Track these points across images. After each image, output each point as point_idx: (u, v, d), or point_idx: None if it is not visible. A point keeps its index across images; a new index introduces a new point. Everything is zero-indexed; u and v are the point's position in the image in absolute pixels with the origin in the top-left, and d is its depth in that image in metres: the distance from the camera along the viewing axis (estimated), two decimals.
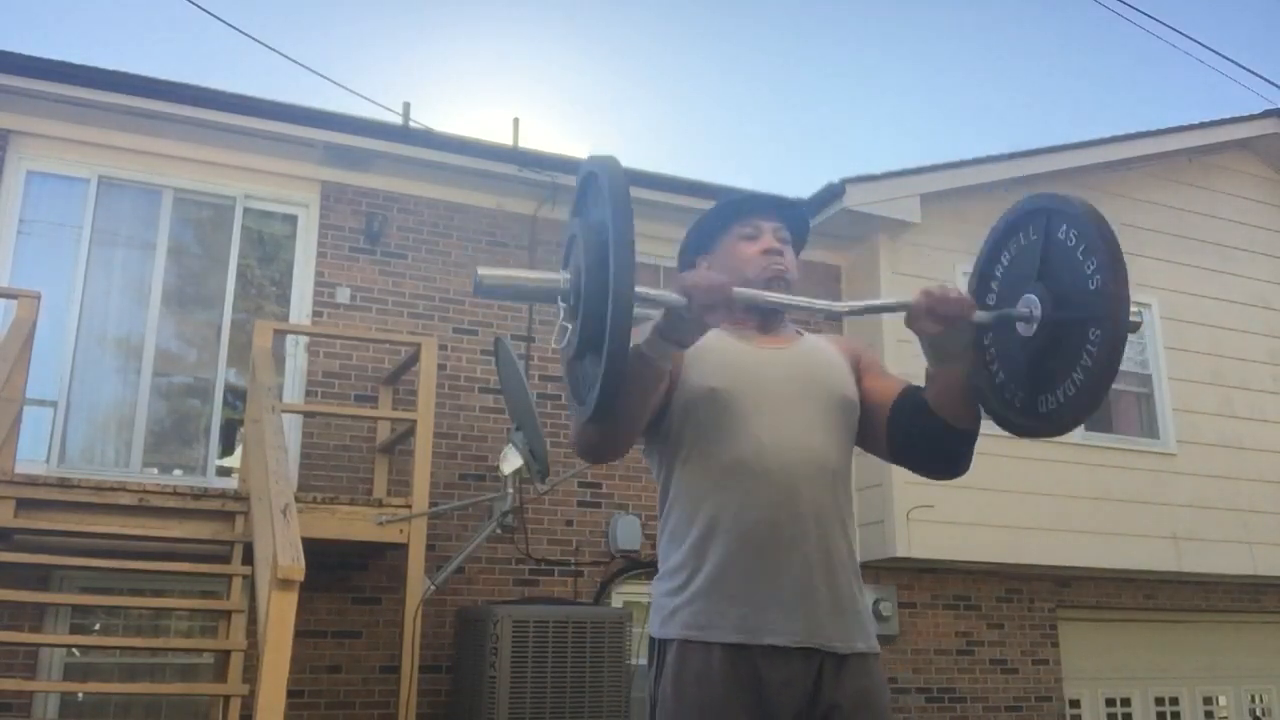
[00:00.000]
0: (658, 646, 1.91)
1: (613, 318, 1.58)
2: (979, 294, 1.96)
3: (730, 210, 2.13)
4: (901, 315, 1.84)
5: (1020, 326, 1.84)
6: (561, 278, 1.74)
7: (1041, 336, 1.81)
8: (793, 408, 1.93)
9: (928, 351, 1.86)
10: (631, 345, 1.67)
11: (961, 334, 1.82)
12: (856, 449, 2.05)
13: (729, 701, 1.78)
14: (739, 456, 1.87)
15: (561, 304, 1.74)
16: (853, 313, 2.00)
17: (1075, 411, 1.77)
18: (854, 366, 2.06)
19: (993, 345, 1.94)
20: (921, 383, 1.95)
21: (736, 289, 1.73)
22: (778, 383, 1.95)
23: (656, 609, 1.94)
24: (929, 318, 1.79)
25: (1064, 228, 1.83)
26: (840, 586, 1.89)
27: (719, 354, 1.95)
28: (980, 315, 1.86)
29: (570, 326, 1.73)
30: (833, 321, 7.61)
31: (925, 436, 1.94)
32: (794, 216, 2.15)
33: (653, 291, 1.70)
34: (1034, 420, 1.86)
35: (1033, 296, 1.83)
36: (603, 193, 1.68)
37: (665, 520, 1.99)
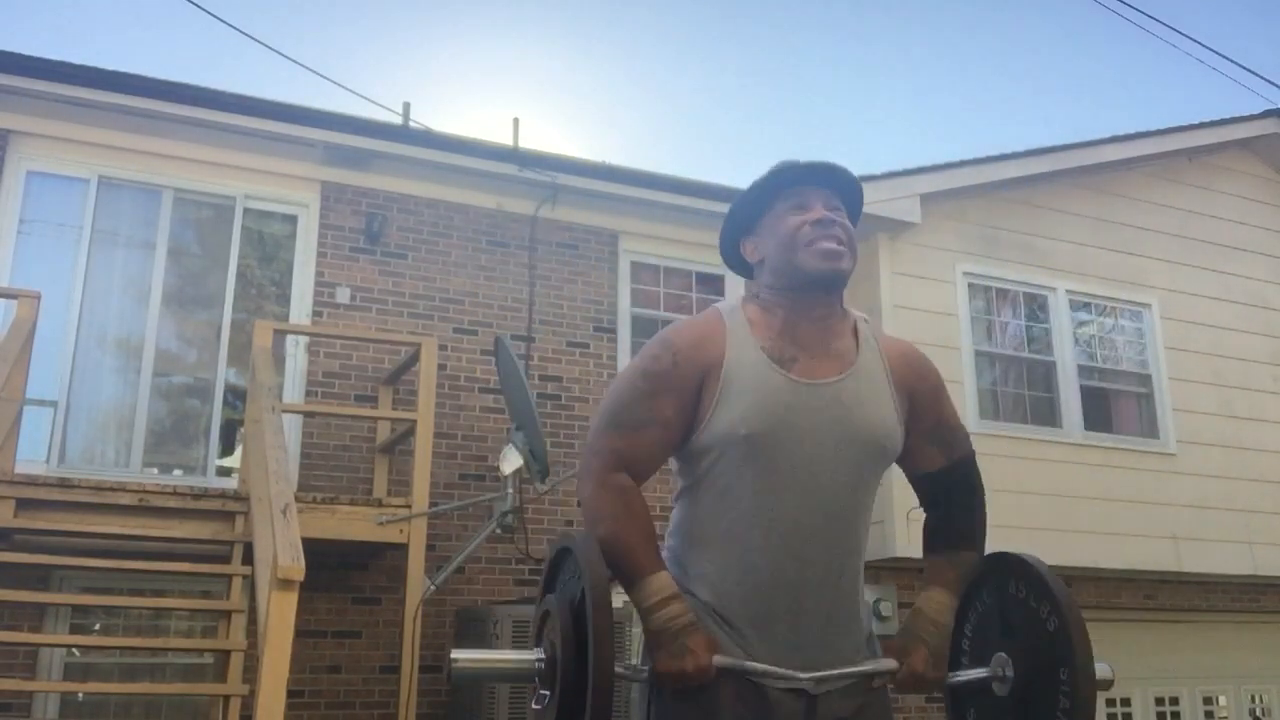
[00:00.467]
0: (651, 676, 1.85)
1: (592, 710, 1.57)
2: (952, 654, 1.95)
3: (773, 182, 1.91)
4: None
5: (996, 686, 1.87)
6: (534, 658, 1.72)
7: (1018, 693, 1.84)
8: (823, 458, 1.80)
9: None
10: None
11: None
12: None
13: (729, 703, 1.74)
14: (755, 507, 1.79)
15: (539, 689, 1.73)
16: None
17: None
18: (908, 399, 1.92)
19: (974, 710, 1.95)
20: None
21: (717, 659, 1.70)
22: (811, 429, 1.79)
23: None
24: (903, 687, 1.83)
25: (1013, 583, 1.89)
26: (838, 639, 1.83)
27: (754, 390, 1.79)
28: (957, 677, 1.90)
29: (544, 704, 1.72)
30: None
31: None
32: (845, 182, 1.93)
33: (629, 673, 1.74)
34: None
35: (1005, 656, 1.86)
36: (581, 574, 1.66)
37: (674, 527, 1.93)
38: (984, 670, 1.88)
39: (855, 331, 1.93)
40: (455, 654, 1.67)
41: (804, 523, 1.79)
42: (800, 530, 1.79)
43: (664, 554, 1.90)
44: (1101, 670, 1.77)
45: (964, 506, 1.98)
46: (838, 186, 1.92)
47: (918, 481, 1.99)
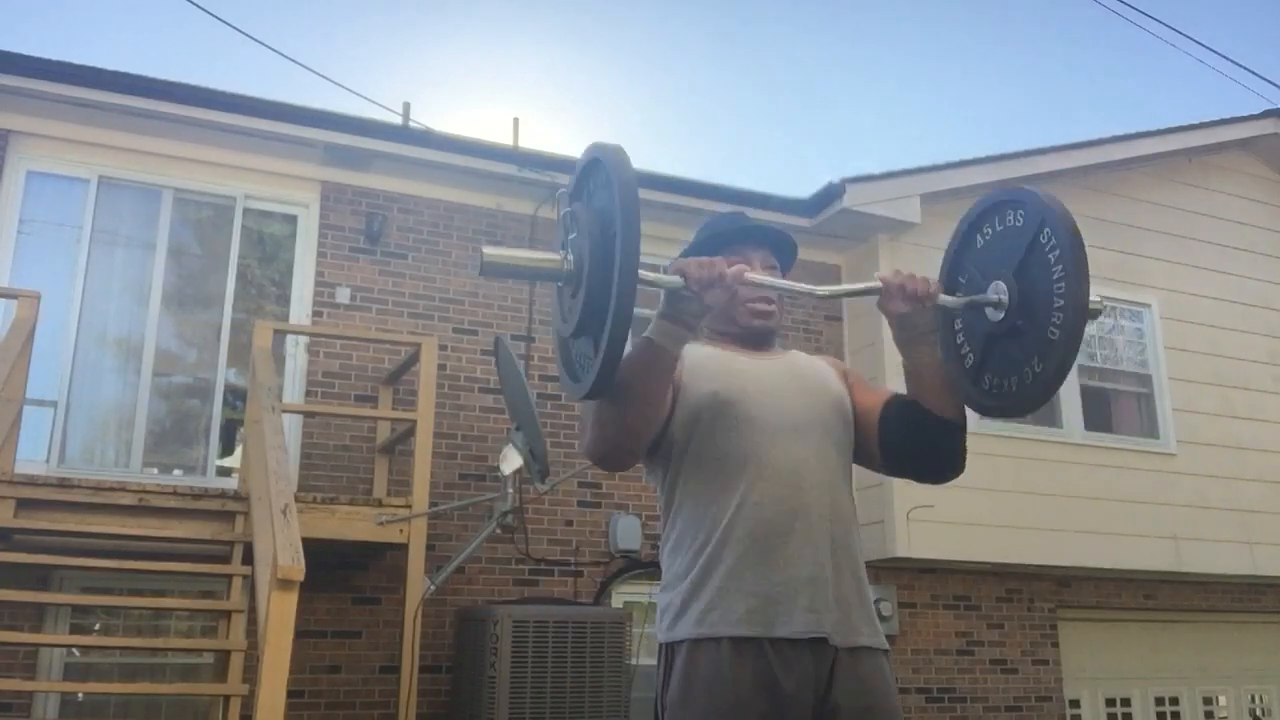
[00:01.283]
0: (665, 652, 1.90)
1: (617, 299, 1.64)
2: (950, 280, 2.08)
3: (719, 241, 2.17)
4: (878, 300, 1.99)
5: (989, 311, 1.95)
6: (563, 258, 1.79)
7: (1010, 321, 1.91)
8: (791, 408, 1.99)
9: (896, 333, 1.99)
10: (641, 336, 1.78)
11: (927, 313, 1.96)
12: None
13: (741, 697, 1.77)
14: (743, 456, 1.92)
15: (562, 285, 1.81)
16: (831, 296, 2.13)
17: (1037, 393, 1.88)
18: (842, 378, 2.15)
19: (963, 330, 2.04)
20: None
21: (731, 267, 1.79)
22: (775, 385, 2.01)
23: (663, 614, 1.93)
24: (900, 296, 1.94)
25: (1019, 213, 1.96)
26: (847, 580, 1.91)
27: (715, 363, 2.03)
28: (947, 299, 1.98)
29: (567, 303, 1.80)
30: (834, 326, 7.61)
31: (914, 435, 2.01)
32: (780, 243, 2.21)
33: (652, 275, 1.77)
34: (1000, 400, 1.95)
35: (1001, 284, 1.94)
36: (610, 180, 1.73)
37: (670, 528, 1.99)
38: (979, 294, 1.97)
39: (785, 352, 2.20)
40: (486, 249, 1.76)
41: (790, 457, 1.92)
42: (788, 464, 1.91)
43: (665, 562, 1.99)
44: (1092, 300, 1.85)
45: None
46: (773, 245, 2.19)
47: (881, 418, 2.06)
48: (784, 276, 2.15)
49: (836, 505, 1.94)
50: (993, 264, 1.99)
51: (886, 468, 2.09)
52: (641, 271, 1.68)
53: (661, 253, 7.44)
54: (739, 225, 2.21)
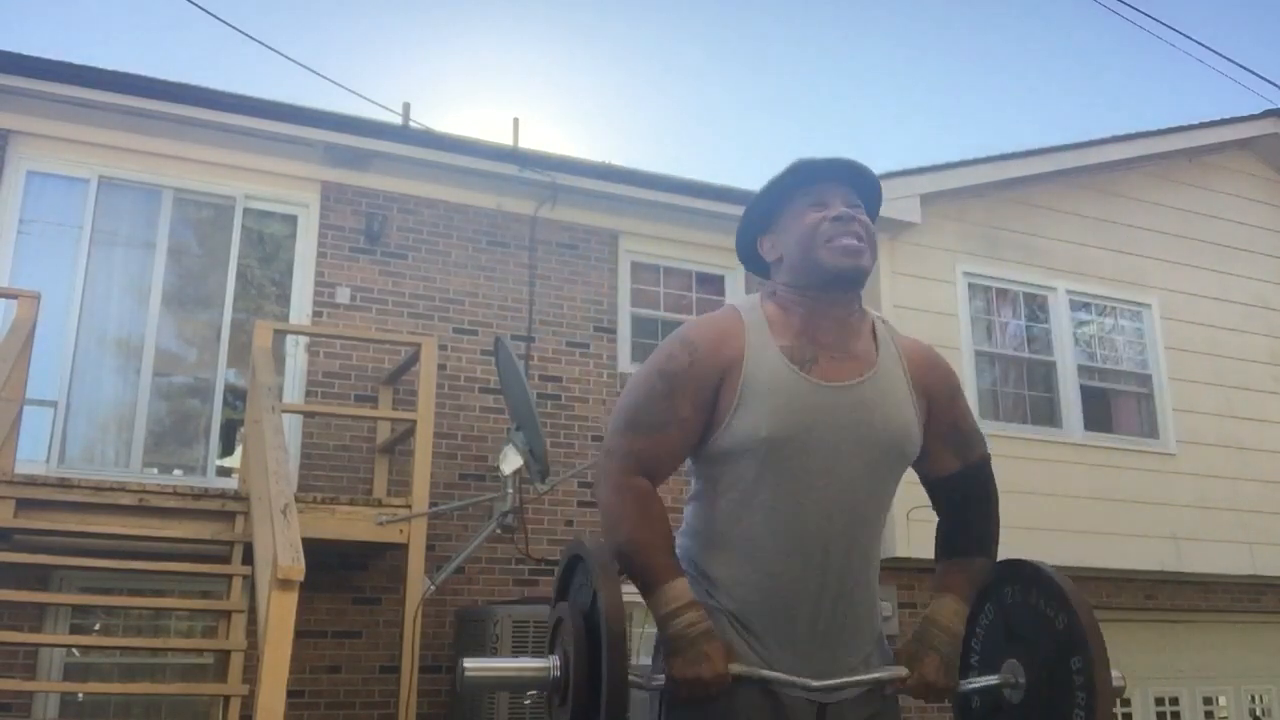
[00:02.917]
0: (662, 690, 1.83)
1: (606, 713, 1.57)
2: (961, 664, 1.92)
3: (791, 179, 1.88)
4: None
5: (1008, 693, 1.85)
6: (550, 665, 1.70)
7: (1030, 704, 1.82)
8: (844, 461, 1.78)
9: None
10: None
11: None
12: None
13: (739, 700, 1.73)
14: (775, 510, 1.76)
15: (550, 694, 1.73)
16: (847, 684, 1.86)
17: None
18: (926, 401, 1.90)
19: (981, 709, 1.94)
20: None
21: (730, 670, 1.68)
22: (832, 432, 1.77)
23: (659, 647, 1.85)
24: (914, 695, 1.81)
25: (1035, 593, 1.89)
26: (852, 647, 1.82)
27: (774, 392, 1.76)
28: (968, 686, 1.88)
29: (555, 711, 1.71)
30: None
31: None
32: (864, 179, 1.92)
33: (643, 682, 1.72)
34: None
35: (1016, 663, 1.85)
36: (594, 583, 1.65)
37: (687, 526, 1.90)
38: (995, 677, 1.86)
39: (874, 332, 1.91)
40: (466, 663, 1.65)
41: (824, 529, 1.77)
42: (820, 536, 1.77)
43: (677, 551, 1.88)
44: (1115, 678, 1.75)
45: (979, 513, 1.99)
46: (856, 184, 1.90)
47: (932, 486, 1.98)
48: (874, 244, 1.89)
49: (859, 570, 1.83)
50: (1008, 637, 1.90)
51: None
52: (633, 679, 1.65)
53: (663, 252, 7.48)
54: (811, 159, 1.89)
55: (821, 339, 1.82)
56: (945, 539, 1.99)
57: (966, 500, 1.98)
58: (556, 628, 1.75)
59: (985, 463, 2.00)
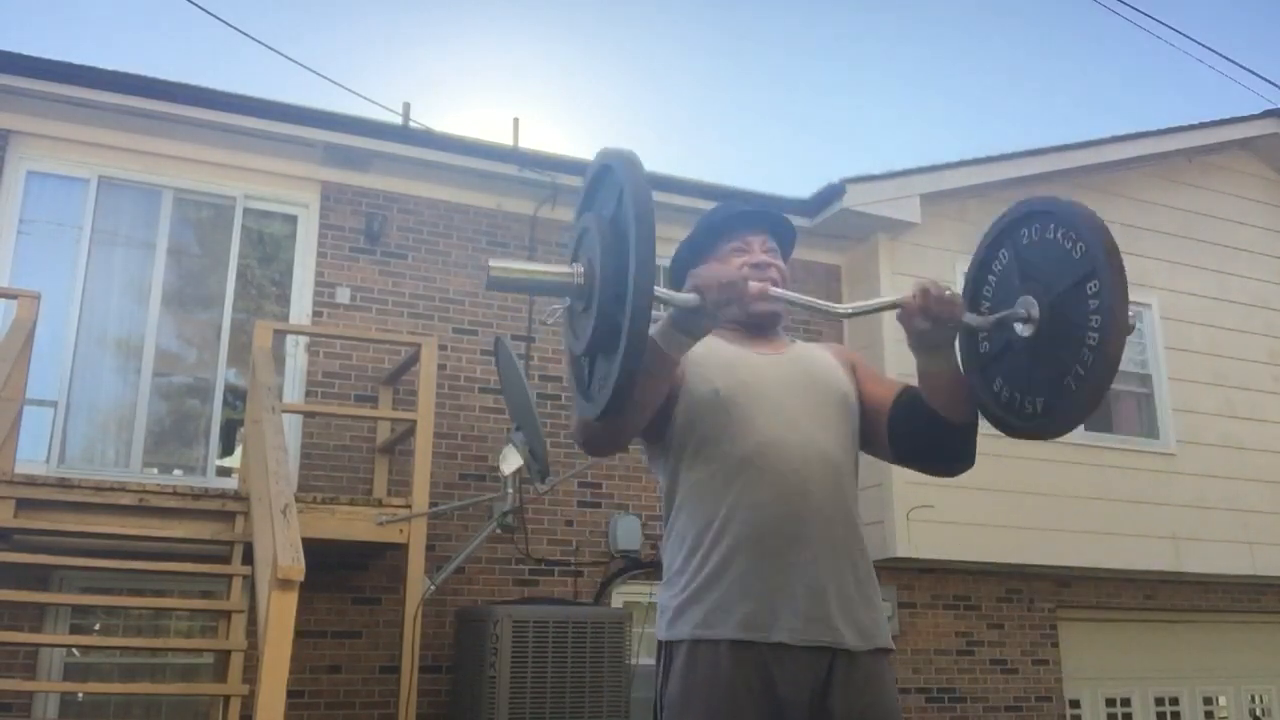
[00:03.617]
0: (664, 649, 1.90)
1: (631, 321, 1.55)
2: (973, 299, 2.00)
3: (718, 226, 2.16)
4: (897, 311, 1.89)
5: (1019, 327, 1.86)
6: (575, 271, 1.71)
7: (1042, 336, 1.81)
8: (794, 406, 1.95)
9: (913, 344, 1.90)
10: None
11: (948, 331, 1.87)
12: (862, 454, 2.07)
13: (737, 705, 1.77)
14: (745, 455, 1.89)
15: (572, 301, 1.73)
16: (855, 314, 2.04)
17: (1078, 408, 1.76)
18: (850, 371, 2.10)
19: (990, 350, 1.95)
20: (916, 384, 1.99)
21: (752, 283, 1.79)
22: (778, 382, 1.97)
23: (662, 612, 1.92)
24: (921, 316, 1.83)
25: (1052, 227, 1.85)
26: (849, 581, 1.89)
27: (719, 358, 1.98)
28: (971, 318, 1.90)
29: (578, 319, 1.72)
30: (833, 324, 7.61)
31: (924, 433, 1.97)
32: (778, 226, 2.18)
33: (669, 293, 1.71)
34: (1035, 422, 1.86)
35: (1029, 298, 1.84)
36: (622, 189, 1.66)
37: (671, 524, 1.98)
38: (1006, 311, 1.87)
39: (792, 342, 2.16)
40: (492, 261, 1.69)
41: (792, 458, 1.89)
42: (790, 465, 1.88)
43: (666, 559, 1.97)
44: (1130, 317, 1.74)
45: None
46: (773, 229, 2.16)
47: (891, 412, 2.01)
48: (789, 285, 2.07)
49: (840, 507, 1.92)
50: (1022, 277, 1.88)
51: (895, 459, 2.06)
52: (660, 291, 1.63)
53: (662, 252, 7.45)
54: (737, 210, 2.18)
55: (746, 340, 2.07)
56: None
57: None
58: (581, 238, 1.77)
59: None
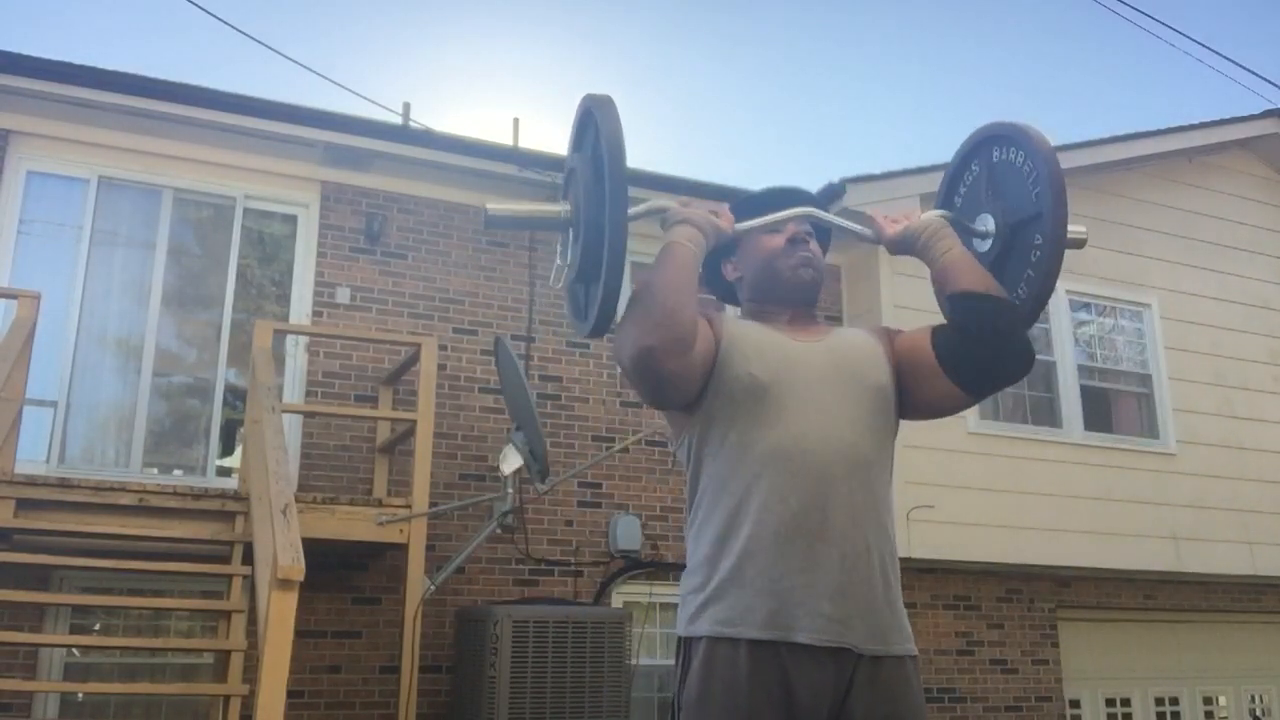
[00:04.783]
0: (684, 645, 1.86)
1: (610, 233, 1.74)
2: (947, 197, 2.23)
3: (749, 208, 2.11)
4: (878, 246, 2.14)
5: (977, 243, 2.07)
6: (562, 208, 1.91)
7: (996, 250, 2.04)
8: (829, 399, 1.91)
9: (913, 253, 2.07)
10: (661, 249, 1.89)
11: (918, 233, 2.06)
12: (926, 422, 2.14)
13: (756, 706, 1.73)
14: (774, 445, 1.85)
15: (563, 233, 1.93)
16: (832, 222, 2.19)
17: (1027, 315, 1.99)
18: (888, 347, 2.04)
19: None
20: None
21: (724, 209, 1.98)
22: (814, 373, 1.93)
23: (684, 605, 1.89)
24: (886, 223, 2.08)
25: (1011, 150, 2.06)
26: (875, 583, 1.83)
27: (756, 343, 1.95)
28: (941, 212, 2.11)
29: (570, 250, 1.92)
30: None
31: (968, 329, 1.93)
32: (816, 216, 2.19)
33: (641, 208, 1.92)
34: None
35: (988, 216, 2.06)
36: (598, 128, 1.84)
37: (694, 512, 1.93)
38: (970, 224, 2.10)
39: (830, 328, 2.17)
40: (489, 204, 1.88)
41: (822, 455, 1.85)
42: (820, 462, 1.85)
43: (689, 547, 1.95)
44: (1074, 230, 1.98)
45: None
46: (811, 219, 2.16)
47: (934, 339, 1.98)
48: (824, 275, 2.19)
49: (869, 506, 1.86)
50: (989, 193, 2.10)
51: (954, 378, 1.94)
52: (632, 210, 1.81)
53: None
54: (765, 191, 2.20)
55: (786, 329, 2.07)
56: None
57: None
58: (570, 177, 1.95)
59: None
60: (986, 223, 2.06)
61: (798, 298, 2.06)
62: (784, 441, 1.85)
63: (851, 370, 1.96)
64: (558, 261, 1.96)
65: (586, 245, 1.82)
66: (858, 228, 2.14)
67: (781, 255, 2.06)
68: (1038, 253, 1.96)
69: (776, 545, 1.80)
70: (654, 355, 1.79)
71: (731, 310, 2.18)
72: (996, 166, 2.09)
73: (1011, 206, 2.03)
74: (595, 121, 1.85)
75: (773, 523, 1.81)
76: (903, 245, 2.07)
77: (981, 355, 1.93)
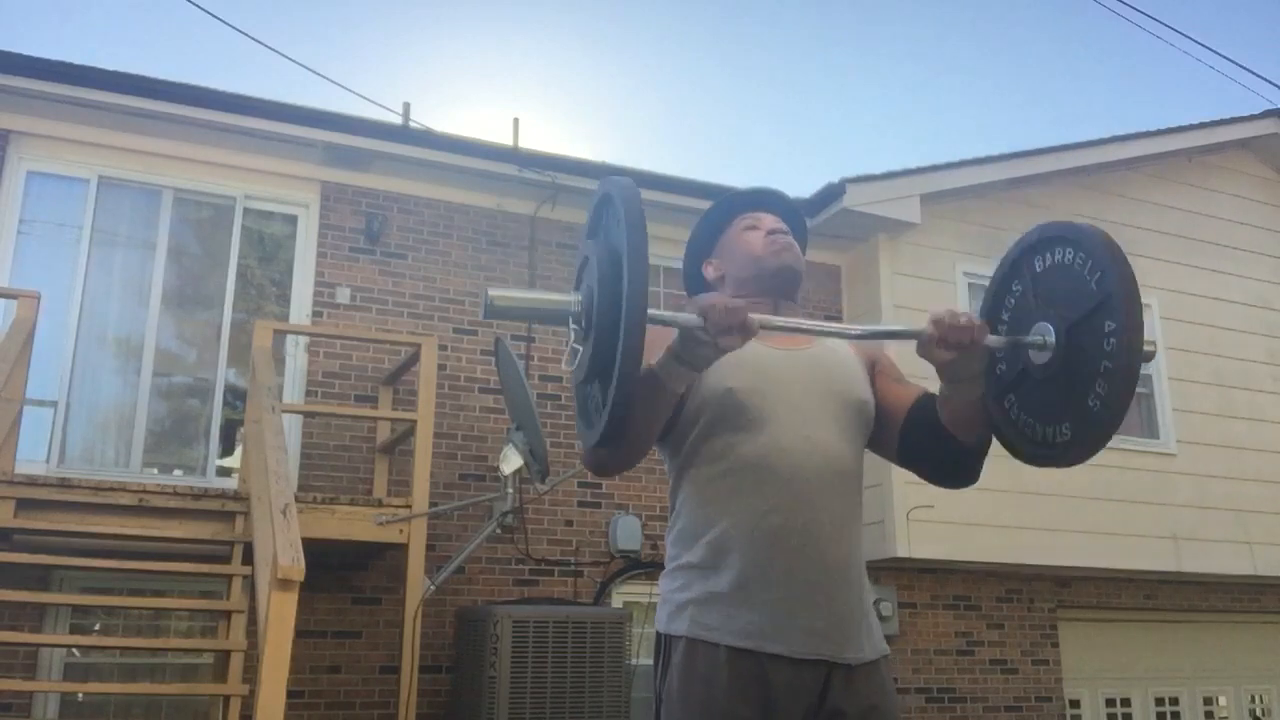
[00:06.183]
0: (664, 641, 1.89)
1: (624, 344, 1.56)
2: (992, 313, 1.91)
3: (726, 208, 2.16)
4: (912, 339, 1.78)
5: (1033, 354, 1.79)
6: (573, 299, 1.72)
7: (1056, 363, 1.76)
8: (809, 410, 1.90)
9: (943, 375, 1.80)
10: (645, 366, 1.66)
11: (974, 360, 1.76)
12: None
13: (734, 703, 1.77)
14: (754, 459, 1.85)
15: (573, 326, 1.72)
16: (864, 337, 1.95)
17: (1093, 439, 1.71)
18: (869, 369, 2.05)
19: (1006, 375, 1.88)
20: (934, 388, 1.92)
21: (754, 315, 1.67)
22: (794, 385, 1.92)
23: (664, 603, 1.91)
24: (940, 346, 1.72)
25: (1070, 252, 1.79)
26: (850, 595, 1.86)
27: (735, 353, 1.82)
28: (992, 339, 1.80)
29: (580, 349, 1.72)
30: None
31: (935, 447, 1.91)
32: (788, 208, 2.17)
33: (668, 314, 1.67)
34: (1050, 450, 1.81)
35: (1046, 324, 1.78)
36: (619, 217, 1.67)
37: (675, 517, 1.96)
38: (1023, 337, 1.80)
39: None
40: (492, 290, 1.67)
41: (804, 466, 1.85)
42: (802, 473, 1.85)
43: (669, 549, 1.94)
44: (1147, 342, 1.66)
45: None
46: (782, 211, 2.14)
47: (905, 419, 1.95)
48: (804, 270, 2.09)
49: (848, 519, 1.89)
50: (1039, 302, 1.83)
51: (900, 462, 2.01)
52: (654, 312, 1.61)
53: (663, 252, 7.43)
54: (744, 190, 2.19)
55: (769, 335, 1.93)
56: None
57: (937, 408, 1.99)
58: (583, 266, 1.80)
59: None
60: (1045, 332, 1.77)
61: (780, 286, 2.03)
62: (764, 454, 1.85)
63: (832, 380, 1.95)
64: (570, 345, 1.77)
65: (599, 346, 1.66)
66: (902, 329, 1.81)
67: (760, 249, 2.05)
68: (1112, 340, 1.66)
69: (755, 557, 1.82)
70: (608, 474, 1.89)
71: None
72: (1041, 276, 1.83)
73: (1070, 305, 1.75)
74: (616, 208, 1.69)
75: (752, 536, 1.82)
76: (949, 370, 1.78)
77: (935, 478, 2.00)
